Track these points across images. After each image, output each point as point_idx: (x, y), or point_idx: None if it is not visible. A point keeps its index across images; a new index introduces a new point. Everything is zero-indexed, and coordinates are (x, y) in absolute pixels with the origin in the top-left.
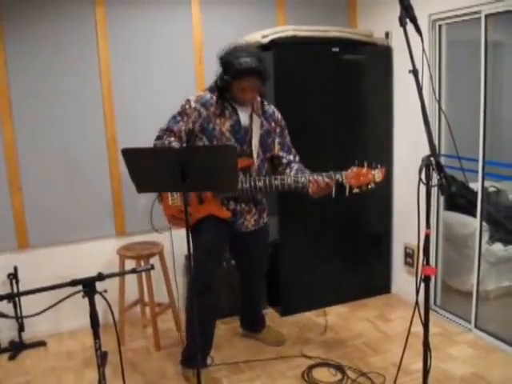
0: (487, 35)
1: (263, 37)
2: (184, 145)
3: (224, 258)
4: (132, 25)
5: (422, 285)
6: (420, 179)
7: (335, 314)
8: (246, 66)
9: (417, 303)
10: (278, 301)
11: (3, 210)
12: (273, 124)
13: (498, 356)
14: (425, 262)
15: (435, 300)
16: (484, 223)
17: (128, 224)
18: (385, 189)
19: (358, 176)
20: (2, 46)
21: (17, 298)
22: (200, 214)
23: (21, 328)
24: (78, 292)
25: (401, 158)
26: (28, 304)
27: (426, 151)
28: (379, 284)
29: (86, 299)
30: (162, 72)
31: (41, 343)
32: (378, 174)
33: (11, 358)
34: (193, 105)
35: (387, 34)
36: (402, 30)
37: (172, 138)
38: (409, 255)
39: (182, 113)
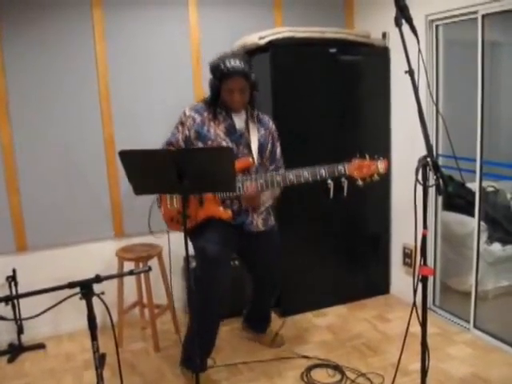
0: (484, 35)
1: (260, 38)
2: None
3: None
4: (130, 26)
5: (420, 285)
6: (417, 179)
7: (334, 314)
8: (229, 66)
9: (414, 303)
10: (277, 302)
11: (1, 212)
12: (267, 132)
13: (497, 356)
14: (422, 263)
15: (434, 300)
16: (482, 223)
17: (126, 226)
18: (383, 189)
19: (361, 167)
20: None
21: (15, 301)
22: (200, 217)
23: (20, 330)
24: (76, 294)
25: (399, 158)
26: (27, 306)
27: (424, 151)
28: (378, 284)
29: (85, 301)
30: (160, 73)
31: (40, 346)
32: (381, 165)
33: (10, 360)
34: (187, 113)
35: (384, 35)
36: (398, 30)
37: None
38: (407, 255)
39: (179, 124)
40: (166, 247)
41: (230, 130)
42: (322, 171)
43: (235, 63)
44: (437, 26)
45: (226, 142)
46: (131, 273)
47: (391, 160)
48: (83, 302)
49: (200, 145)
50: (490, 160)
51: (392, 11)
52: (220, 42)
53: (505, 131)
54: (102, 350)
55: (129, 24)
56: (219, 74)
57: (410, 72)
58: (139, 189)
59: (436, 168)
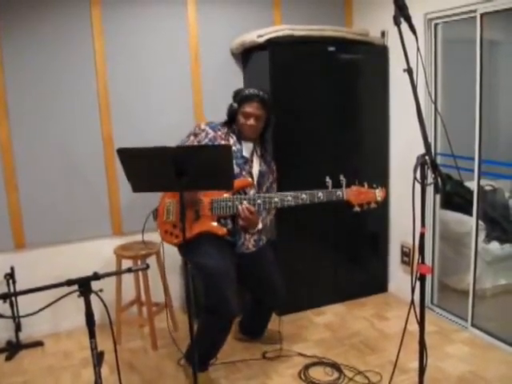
0: (483, 34)
1: (259, 36)
2: None
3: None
4: (128, 23)
5: (418, 283)
6: (415, 178)
7: (332, 312)
8: (251, 92)
9: (412, 302)
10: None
11: None
12: (269, 169)
13: (495, 354)
14: (420, 261)
15: (432, 298)
16: (480, 222)
17: (125, 224)
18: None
19: (359, 194)
20: None
21: (13, 298)
22: (195, 231)
23: (18, 328)
24: (74, 292)
25: (397, 156)
26: (25, 304)
27: (422, 150)
28: (376, 283)
29: (83, 299)
30: (158, 71)
31: (38, 343)
32: (379, 194)
33: (8, 358)
34: (202, 127)
35: (383, 33)
36: (397, 29)
37: None
38: (405, 254)
39: (191, 134)
40: (166, 246)
41: (237, 154)
42: (320, 195)
43: (258, 91)
44: (435, 25)
45: None
46: (129, 270)
47: (389, 158)
48: (81, 300)
49: None
50: (489, 159)
51: (391, 10)
52: (219, 39)
53: (503, 130)
54: (100, 348)
55: (127, 21)
56: (239, 97)
57: (409, 70)
58: (138, 187)
59: (434, 166)
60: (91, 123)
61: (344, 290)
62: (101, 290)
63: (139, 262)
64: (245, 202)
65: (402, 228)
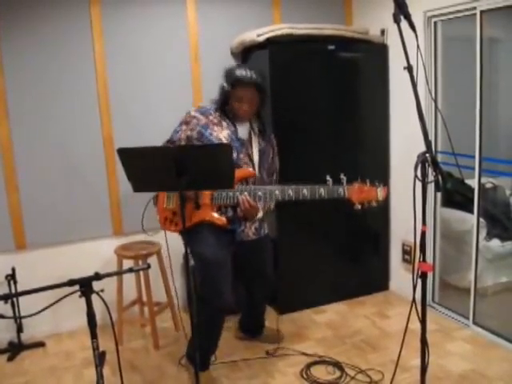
0: (482, 31)
1: (258, 35)
2: None
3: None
4: (128, 23)
5: (419, 281)
6: (416, 176)
7: (333, 311)
8: (244, 74)
9: (414, 300)
10: (276, 299)
11: (0, 210)
12: (269, 145)
13: (496, 352)
14: (421, 259)
15: (433, 297)
16: (481, 219)
17: (125, 224)
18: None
19: (361, 192)
20: None
21: (15, 299)
22: (194, 220)
23: (19, 329)
24: (75, 292)
25: (397, 154)
26: (26, 305)
27: (423, 148)
28: (377, 281)
29: (84, 299)
30: (158, 70)
31: (40, 344)
32: (381, 193)
33: (10, 358)
34: (192, 113)
35: (383, 32)
36: (397, 27)
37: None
38: (406, 252)
39: (182, 123)
40: (165, 245)
41: (232, 137)
42: (322, 191)
43: (251, 74)
44: (435, 23)
45: None
46: (130, 270)
47: (389, 156)
48: (83, 300)
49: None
50: (489, 156)
51: (390, 8)
52: (218, 39)
53: (504, 128)
54: (102, 348)
55: (127, 21)
56: (232, 80)
57: (409, 68)
58: (138, 187)
59: (435, 164)
60: (91, 123)
61: (345, 289)
62: (102, 290)
63: (140, 262)
64: (245, 193)
65: (402, 226)
